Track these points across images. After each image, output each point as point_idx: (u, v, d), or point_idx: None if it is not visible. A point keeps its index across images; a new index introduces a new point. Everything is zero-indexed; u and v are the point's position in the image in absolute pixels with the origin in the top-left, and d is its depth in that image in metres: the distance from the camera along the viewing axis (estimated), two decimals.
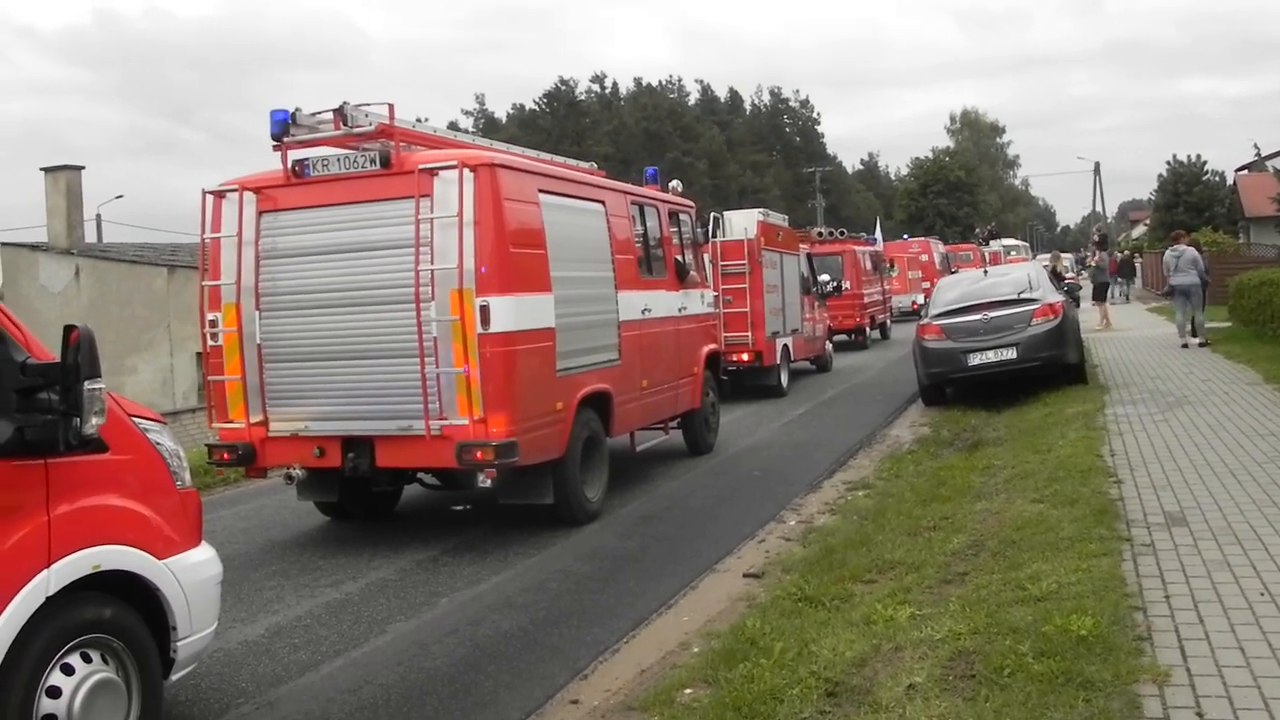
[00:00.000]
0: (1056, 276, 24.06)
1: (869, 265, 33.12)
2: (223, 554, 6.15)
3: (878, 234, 42.78)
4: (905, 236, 51.46)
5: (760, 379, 20.66)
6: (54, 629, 4.79)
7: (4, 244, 33.40)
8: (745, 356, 19.98)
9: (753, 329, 20.04)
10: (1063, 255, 42.73)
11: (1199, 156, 72.34)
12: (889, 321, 35.75)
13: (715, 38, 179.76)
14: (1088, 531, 7.69)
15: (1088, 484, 9.25)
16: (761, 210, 22.17)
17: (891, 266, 38.18)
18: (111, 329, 28.49)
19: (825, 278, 25.92)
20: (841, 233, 33.56)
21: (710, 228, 19.68)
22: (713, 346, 14.91)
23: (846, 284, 29.51)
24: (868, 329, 32.62)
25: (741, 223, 20.71)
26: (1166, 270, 21.58)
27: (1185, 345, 20.83)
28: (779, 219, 23.29)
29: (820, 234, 32.34)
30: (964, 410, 16.24)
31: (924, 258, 43.20)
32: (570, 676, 6.68)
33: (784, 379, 21.40)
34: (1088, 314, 27.23)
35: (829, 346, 26.10)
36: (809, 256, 25.02)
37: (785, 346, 21.60)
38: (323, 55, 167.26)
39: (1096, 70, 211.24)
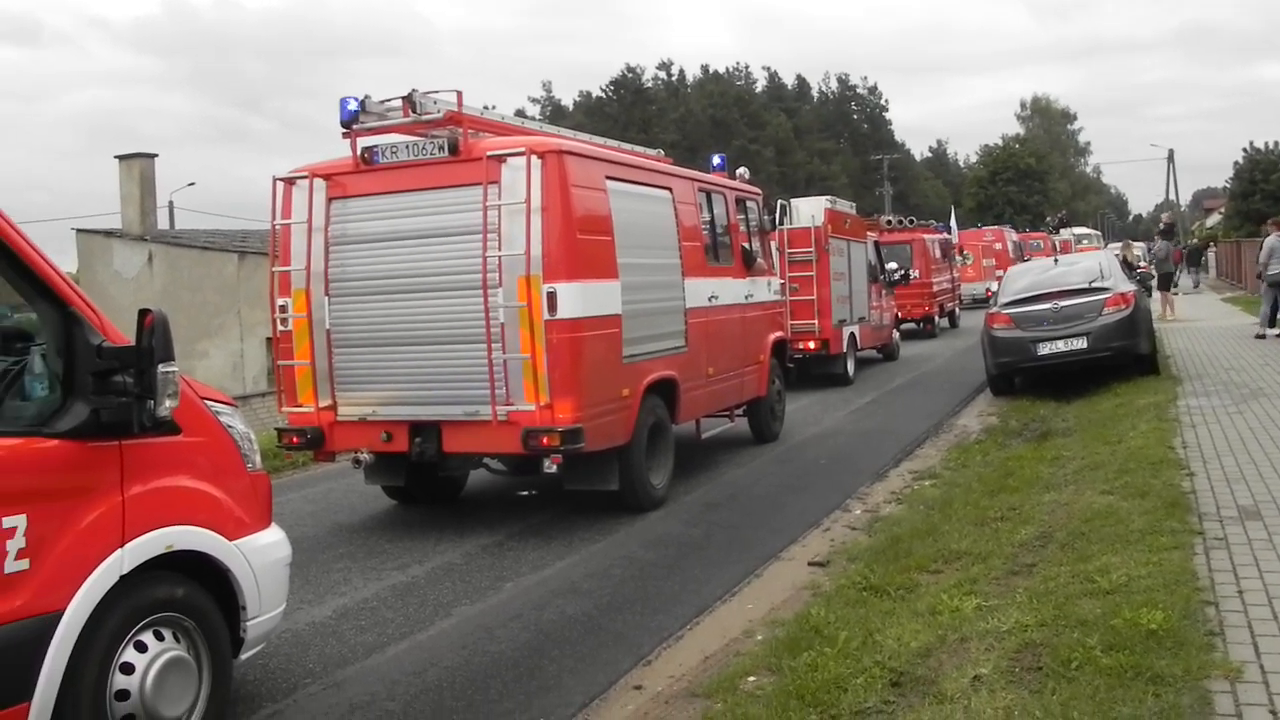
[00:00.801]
0: (1127, 265, 23.69)
1: (938, 253, 33.10)
2: (291, 536, 6.22)
3: (952, 223, 42.76)
4: (979, 225, 51.36)
5: (826, 367, 20.61)
6: (128, 607, 4.87)
7: (79, 230, 33.96)
8: (811, 344, 19.92)
9: (819, 317, 20.00)
10: (1134, 244, 42.29)
11: (1276, 144, 71.06)
12: (958, 310, 35.69)
13: (779, 23, 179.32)
14: (1159, 524, 7.58)
15: (1159, 476, 9.11)
16: (829, 198, 22.10)
17: (965, 255, 38.45)
18: (183, 314, 28.90)
19: (893, 266, 25.69)
20: (911, 221, 33.71)
21: (777, 215, 19.80)
22: (779, 334, 14.85)
23: (915, 272, 29.43)
24: (936, 317, 32.54)
25: (809, 210, 20.68)
26: (1266, 259, 20.75)
27: (1263, 336, 20.39)
28: (846, 206, 23.13)
29: (889, 222, 32.33)
30: (1033, 400, 16.07)
31: (998, 246, 43.29)
32: (634, 662, 6.69)
33: (850, 367, 21.29)
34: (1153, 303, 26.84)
35: (896, 335, 25.92)
36: (877, 244, 24.88)
37: (852, 335, 21.48)
38: (388, 44, 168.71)
39: (1169, 55, 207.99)
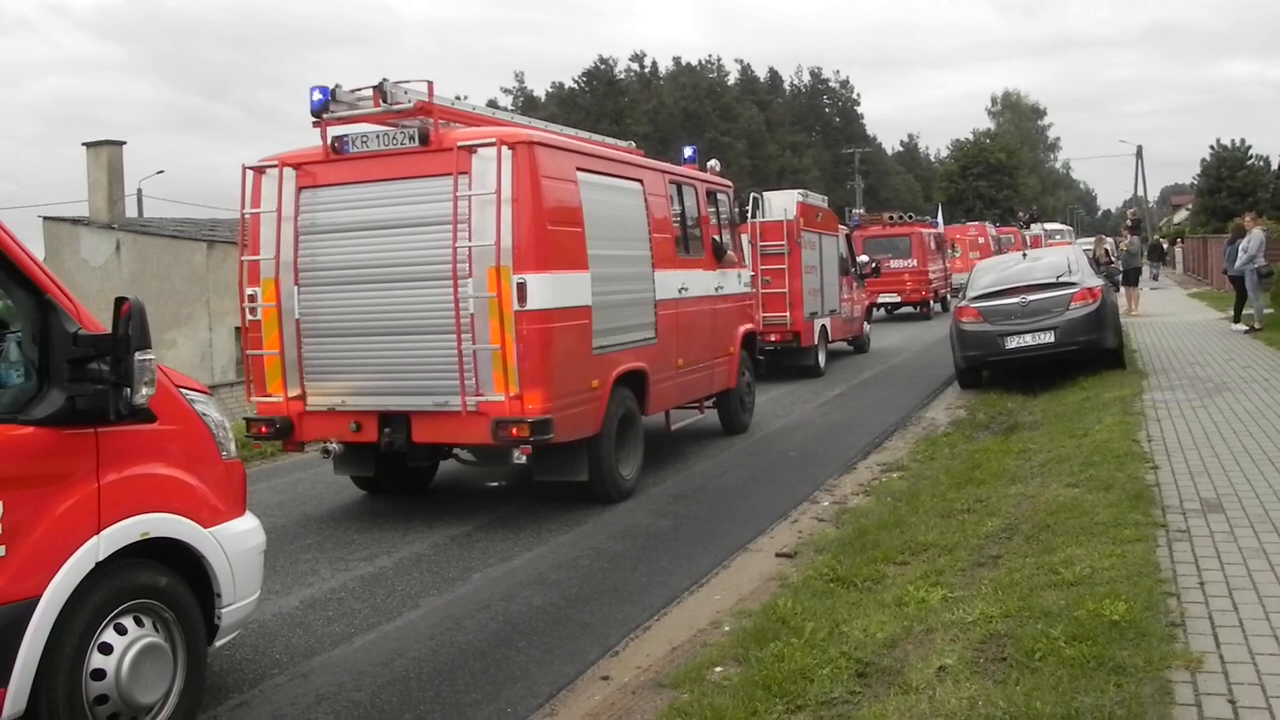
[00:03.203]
0: (1096, 261, 23.89)
1: (933, 245, 36.73)
2: None
3: (939, 218, 45.71)
4: (964, 220, 53.53)
5: (798, 359, 20.91)
6: (104, 593, 4.88)
7: (46, 218, 33.74)
8: (775, 337, 20.14)
9: (791, 309, 20.23)
10: (1106, 239, 42.98)
11: (1243, 141, 71.76)
12: (949, 296, 37.77)
13: (746, 18, 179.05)
14: (1123, 517, 7.66)
15: (1123, 469, 9.21)
16: (801, 191, 22.29)
17: (954, 248, 41.86)
18: (151, 303, 28.05)
19: (864, 259, 26.20)
20: (909, 216, 38.31)
21: (750, 208, 20.22)
22: (749, 326, 14.89)
23: (913, 262, 33.94)
24: (931, 302, 35.92)
25: (781, 203, 20.87)
26: (1255, 251, 20.79)
27: (1259, 329, 20.47)
28: (818, 200, 23.36)
29: (891, 218, 36.75)
30: (1000, 393, 16.18)
31: (980, 240, 46.14)
32: (601, 653, 6.72)
33: (822, 359, 21.53)
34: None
35: (867, 327, 26.36)
36: (848, 237, 25.30)
37: (823, 327, 21.73)
38: (352, 34, 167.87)
39: (1136, 53, 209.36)
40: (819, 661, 5.70)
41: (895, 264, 33.70)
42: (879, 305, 33.57)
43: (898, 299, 34.83)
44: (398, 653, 6.77)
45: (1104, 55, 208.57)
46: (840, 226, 24.62)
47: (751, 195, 20.95)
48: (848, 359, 23.95)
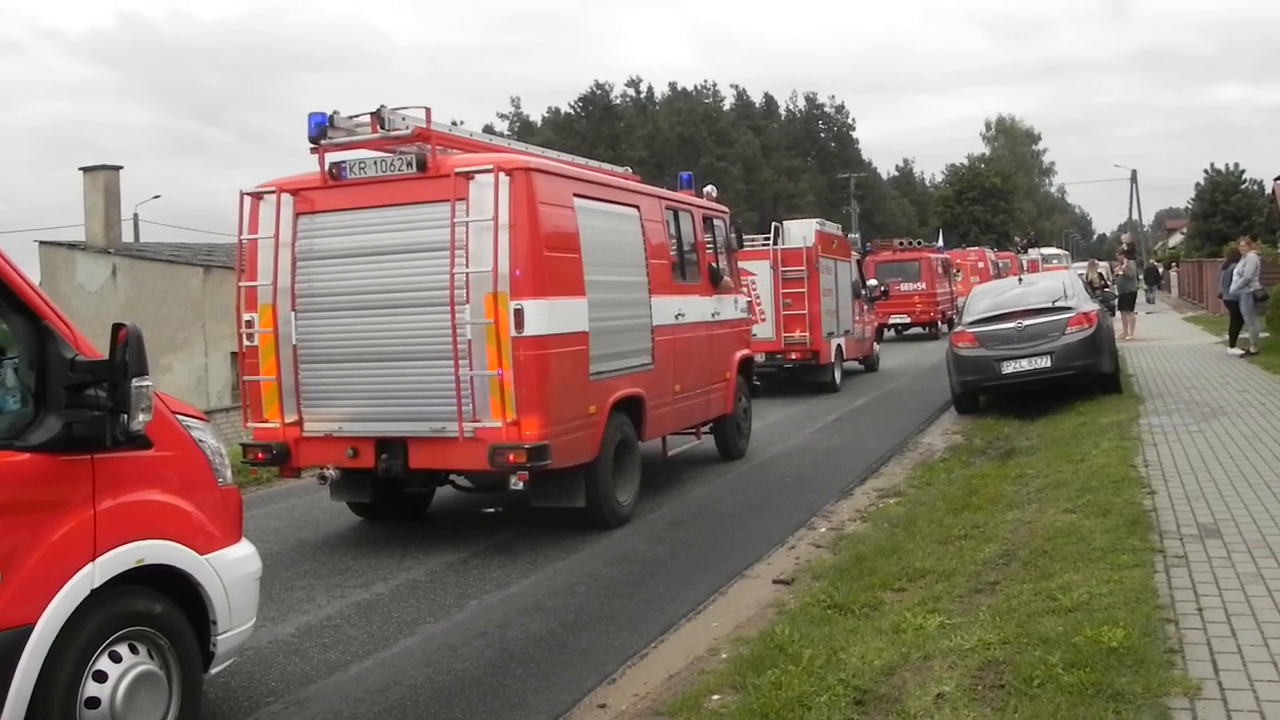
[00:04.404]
0: (1091, 286, 23.98)
1: (940, 269, 38.58)
2: None
3: (940, 242, 48.39)
4: (963, 246, 54.73)
5: (816, 375, 22.50)
6: (101, 618, 4.87)
7: (42, 242, 33.76)
8: (796, 355, 21.85)
9: (810, 330, 21.78)
10: (1099, 263, 43.47)
11: (1237, 165, 72.13)
12: (955, 318, 38.06)
13: (737, 43, 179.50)
14: (1120, 542, 7.66)
15: (1121, 494, 9.20)
16: (819, 220, 23.98)
17: (956, 271, 43.28)
18: (147, 328, 28.09)
19: (873, 283, 27.77)
20: (919, 242, 41.56)
21: (771, 236, 22.15)
22: (745, 352, 14.90)
23: (922, 285, 36.32)
24: (939, 323, 37.05)
25: (800, 231, 22.40)
26: (1251, 275, 20.89)
27: (1255, 353, 20.51)
28: (834, 228, 24.98)
29: (901, 243, 39.42)
30: (997, 418, 16.20)
31: (980, 265, 47.91)
32: (598, 680, 6.70)
33: (838, 376, 22.97)
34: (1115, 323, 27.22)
35: (876, 347, 27.77)
36: (859, 263, 26.94)
37: (839, 346, 23.22)
38: (344, 58, 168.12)
39: (1127, 78, 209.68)
40: (817, 689, 5.68)
41: (905, 287, 35.91)
42: (889, 326, 35.71)
43: (907, 320, 36.81)
44: (394, 680, 6.75)
45: (1094, 80, 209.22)
46: (852, 253, 26.30)
47: (774, 224, 22.61)
48: (849, 381, 23.95)
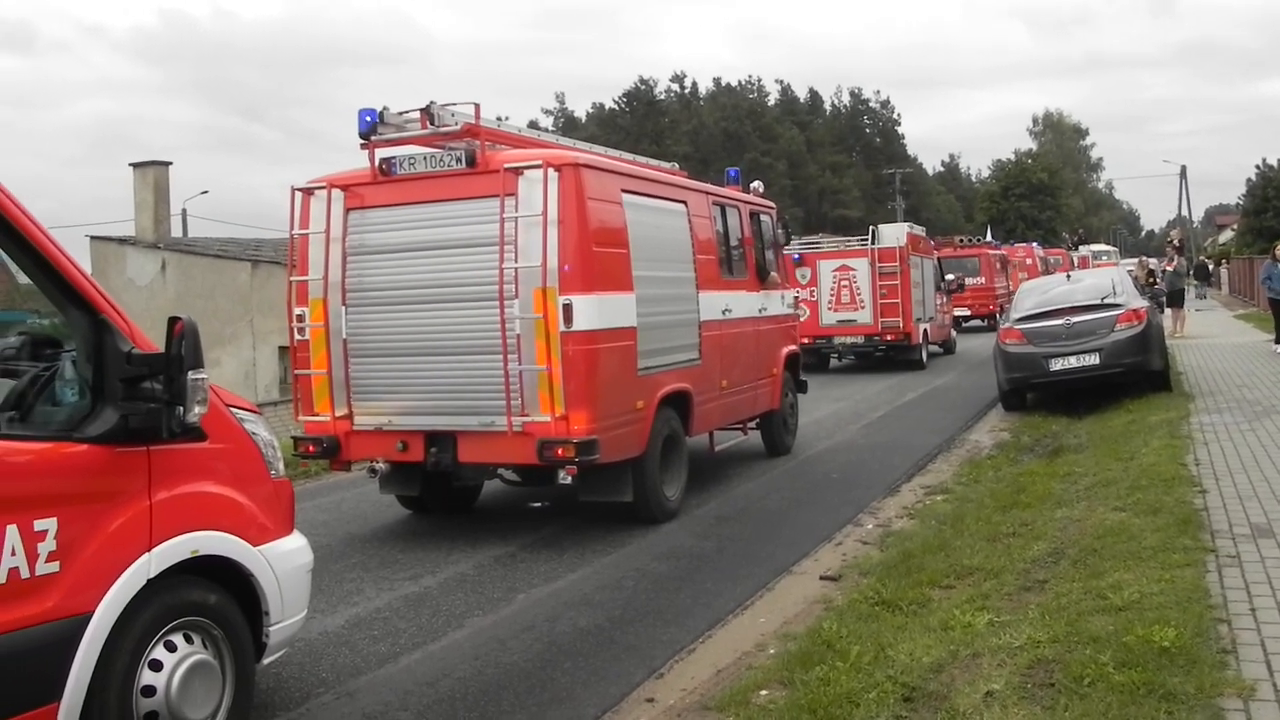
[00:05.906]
0: (1140, 283, 23.81)
1: (998, 265, 41.05)
2: None
3: (990, 236, 50.95)
4: (1013, 243, 55.69)
5: (907, 354, 26.38)
6: (157, 608, 4.92)
7: (93, 238, 34.09)
8: (891, 337, 25.82)
9: (903, 317, 25.68)
10: (1149, 260, 43.27)
11: None
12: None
13: (777, 39, 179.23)
14: (1171, 541, 7.59)
15: (1171, 493, 9.12)
16: (910, 224, 28.94)
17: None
18: (196, 322, 28.92)
19: (951, 277, 31.28)
20: (978, 239, 43.96)
21: (869, 237, 26.27)
22: (792, 347, 14.89)
23: (981, 279, 38.59)
24: (997, 315, 37.64)
25: (893, 233, 26.47)
26: None
27: None
28: (920, 230, 29.37)
29: (961, 240, 42.12)
30: (1044, 416, 16.09)
31: (1029, 261, 48.56)
32: (646, 675, 6.72)
33: (924, 356, 26.95)
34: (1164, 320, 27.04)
35: (954, 333, 31.62)
36: (939, 260, 30.50)
37: (925, 330, 27.00)
38: (386, 54, 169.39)
39: (1173, 72, 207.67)
40: (865, 685, 5.68)
41: (966, 281, 36.97)
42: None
43: (968, 312, 38.40)
44: (443, 673, 6.80)
45: (1139, 75, 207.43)
46: (949, 248, 31.02)
47: (870, 227, 26.88)
48: (896, 377, 23.96)
